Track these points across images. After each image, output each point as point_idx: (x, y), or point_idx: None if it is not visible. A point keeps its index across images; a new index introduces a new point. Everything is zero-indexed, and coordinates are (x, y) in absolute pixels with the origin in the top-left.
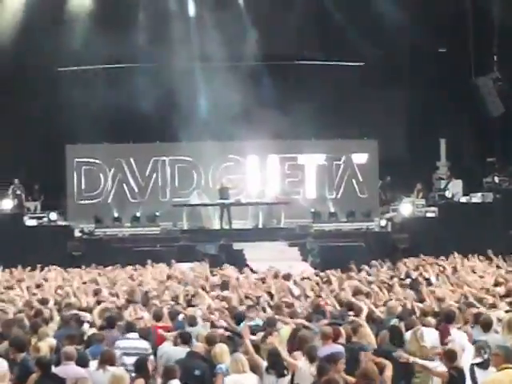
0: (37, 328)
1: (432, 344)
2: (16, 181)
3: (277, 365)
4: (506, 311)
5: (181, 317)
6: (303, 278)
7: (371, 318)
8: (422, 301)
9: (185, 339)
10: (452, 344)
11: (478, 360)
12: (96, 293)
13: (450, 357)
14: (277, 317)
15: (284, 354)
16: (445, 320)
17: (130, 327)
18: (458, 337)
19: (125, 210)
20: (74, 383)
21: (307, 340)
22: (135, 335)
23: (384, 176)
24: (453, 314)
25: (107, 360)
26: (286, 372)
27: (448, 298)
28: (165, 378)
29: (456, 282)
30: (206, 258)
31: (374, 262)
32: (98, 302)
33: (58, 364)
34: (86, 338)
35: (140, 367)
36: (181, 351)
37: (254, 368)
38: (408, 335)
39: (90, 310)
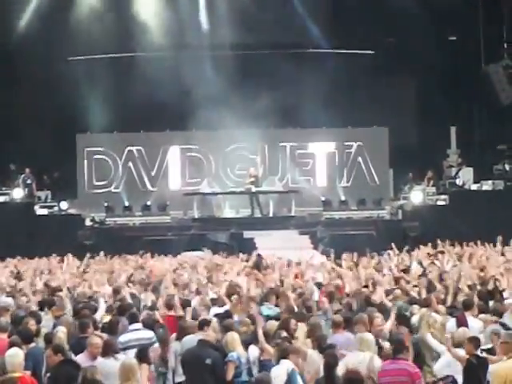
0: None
1: (449, 332)
2: (27, 170)
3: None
4: None
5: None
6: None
7: (380, 306)
8: (432, 289)
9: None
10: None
11: (487, 346)
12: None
13: (473, 344)
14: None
15: (299, 342)
16: (462, 308)
17: (132, 318)
18: (475, 325)
19: (135, 199)
20: (84, 372)
21: (317, 328)
22: (138, 325)
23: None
24: (470, 302)
25: (111, 348)
26: None
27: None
28: None
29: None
30: (217, 246)
31: (388, 251)
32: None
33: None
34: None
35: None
36: (192, 340)
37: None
38: (416, 321)
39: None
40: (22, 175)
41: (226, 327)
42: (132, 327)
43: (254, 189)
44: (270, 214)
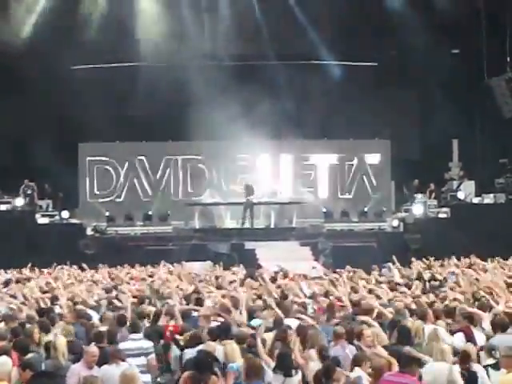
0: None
1: (457, 345)
2: (25, 181)
3: (284, 365)
4: None
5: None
6: (315, 278)
7: (380, 318)
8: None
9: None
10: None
11: (491, 361)
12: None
13: (463, 357)
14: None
15: (296, 353)
16: (467, 321)
17: (134, 328)
18: (478, 338)
19: (137, 209)
20: (83, 382)
21: (318, 339)
22: (139, 336)
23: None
24: (472, 316)
25: (117, 357)
26: (293, 372)
27: (461, 298)
28: None
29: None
30: (218, 257)
31: (389, 263)
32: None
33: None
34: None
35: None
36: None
37: (258, 369)
38: (426, 334)
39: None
40: (22, 186)
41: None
42: (132, 336)
43: (255, 199)
44: (272, 225)
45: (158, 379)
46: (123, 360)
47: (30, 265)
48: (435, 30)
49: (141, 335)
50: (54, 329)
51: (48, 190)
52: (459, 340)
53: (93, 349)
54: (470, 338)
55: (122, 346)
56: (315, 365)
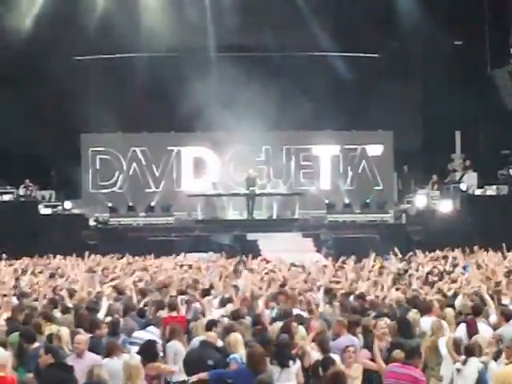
0: (50, 316)
1: (460, 337)
2: (26, 181)
3: (280, 355)
4: None
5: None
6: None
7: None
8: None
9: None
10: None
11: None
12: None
13: (468, 352)
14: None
15: (305, 344)
16: (472, 313)
17: (156, 322)
18: (484, 330)
19: (139, 200)
20: (90, 371)
21: (320, 331)
22: (155, 329)
23: (400, 167)
24: (480, 307)
25: (115, 349)
26: (290, 363)
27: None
28: None
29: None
30: (221, 248)
31: (391, 255)
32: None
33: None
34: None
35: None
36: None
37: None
38: (427, 327)
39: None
40: (22, 185)
41: (228, 329)
42: (149, 329)
43: (258, 191)
44: (274, 217)
45: None
46: (123, 352)
47: (36, 256)
48: (438, 21)
49: (157, 331)
50: (58, 320)
51: (55, 178)
52: (461, 331)
53: (78, 336)
54: (473, 330)
55: (136, 334)
56: (317, 355)
